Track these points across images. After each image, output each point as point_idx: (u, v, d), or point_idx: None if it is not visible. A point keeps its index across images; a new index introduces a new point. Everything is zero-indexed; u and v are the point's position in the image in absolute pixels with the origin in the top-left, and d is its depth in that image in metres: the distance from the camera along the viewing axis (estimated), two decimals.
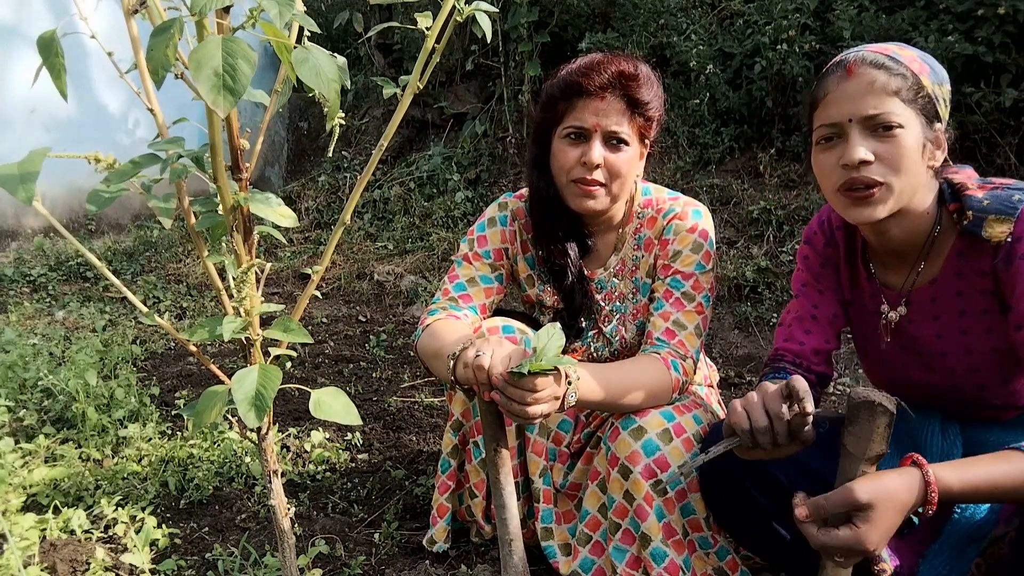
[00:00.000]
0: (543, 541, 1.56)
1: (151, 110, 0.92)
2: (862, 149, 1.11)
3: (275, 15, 0.73)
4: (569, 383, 1.26)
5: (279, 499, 1.11)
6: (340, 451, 2.19)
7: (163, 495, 1.96)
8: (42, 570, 1.55)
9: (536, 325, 1.64)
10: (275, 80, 0.98)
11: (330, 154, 3.85)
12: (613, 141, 1.46)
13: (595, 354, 1.64)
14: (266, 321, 0.97)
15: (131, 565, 1.62)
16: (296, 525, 1.78)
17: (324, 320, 3.72)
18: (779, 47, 3.84)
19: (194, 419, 0.98)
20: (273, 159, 6.10)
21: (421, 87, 0.97)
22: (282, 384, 0.92)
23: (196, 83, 0.70)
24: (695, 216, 1.55)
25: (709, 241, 1.53)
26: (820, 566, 1.05)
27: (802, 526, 1.01)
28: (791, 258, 3.46)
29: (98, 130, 5.14)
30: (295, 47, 0.81)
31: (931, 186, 1.18)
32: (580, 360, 1.57)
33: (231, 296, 0.96)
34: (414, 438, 2.32)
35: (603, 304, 1.62)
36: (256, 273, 0.96)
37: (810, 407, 1.02)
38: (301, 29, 0.89)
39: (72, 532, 1.73)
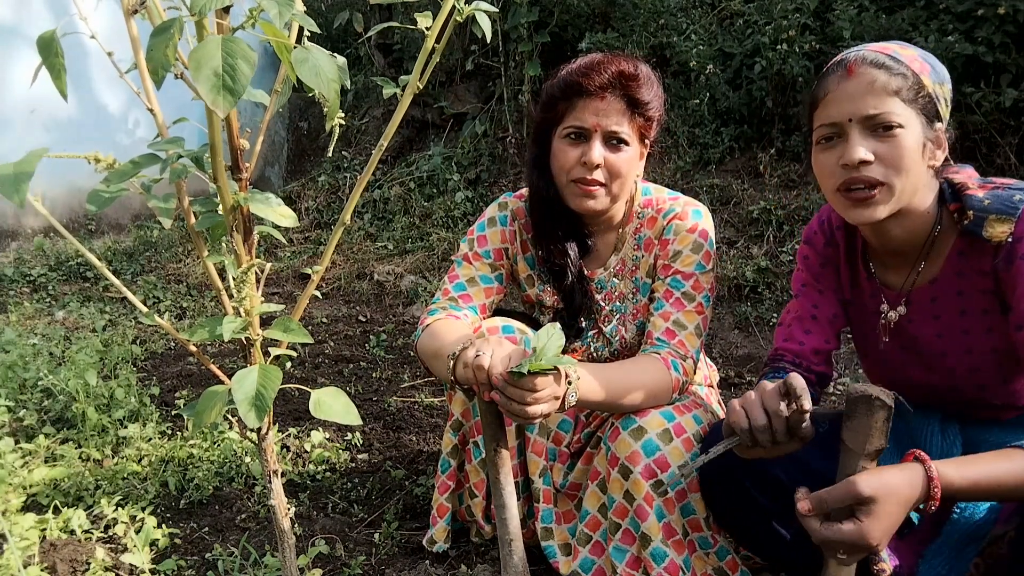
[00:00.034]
0: (543, 541, 1.56)
1: (151, 110, 0.92)
2: (862, 149, 1.10)
3: (275, 15, 0.73)
4: (569, 383, 1.26)
5: (279, 499, 1.11)
6: (340, 451, 2.19)
7: (163, 495, 1.96)
8: (42, 570, 1.55)
9: (536, 325, 1.64)
10: (275, 80, 0.98)
11: (330, 154, 3.85)
12: (613, 141, 1.46)
13: (595, 354, 1.64)
14: (266, 321, 0.97)
15: (131, 565, 1.62)
16: (296, 525, 1.78)
17: (324, 320, 3.72)
18: (779, 47, 3.84)
19: (194, 419, 0.98)
20: (273, 159, 6.10)
21: (421, 87, 0.97)
22: (282, 384, 0.92)
23: (196, 83, 0.70)
24: (695, 216, 1.55)
25: (709, 241, 1.53)
26: (823, 564, 1.04)
27: (804, 521, 1.01)
28: (791, 258, 3.46)
29: (98, 130, 5.14)
30: (295, 47, 0.81)
31: (932, 186, 1.18)
32: (580, 360, 1.57)
33: (231, 296, 0.96)
34: (414, 438, 2.32)
35: (603, 304, 1.62)
36: (256, 273, 0.96)
37: (807, 404, 1.02)
38: (301, 29, 0.89)
39: (72, 532, 1.73)
